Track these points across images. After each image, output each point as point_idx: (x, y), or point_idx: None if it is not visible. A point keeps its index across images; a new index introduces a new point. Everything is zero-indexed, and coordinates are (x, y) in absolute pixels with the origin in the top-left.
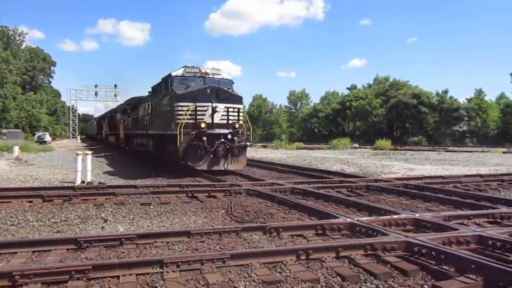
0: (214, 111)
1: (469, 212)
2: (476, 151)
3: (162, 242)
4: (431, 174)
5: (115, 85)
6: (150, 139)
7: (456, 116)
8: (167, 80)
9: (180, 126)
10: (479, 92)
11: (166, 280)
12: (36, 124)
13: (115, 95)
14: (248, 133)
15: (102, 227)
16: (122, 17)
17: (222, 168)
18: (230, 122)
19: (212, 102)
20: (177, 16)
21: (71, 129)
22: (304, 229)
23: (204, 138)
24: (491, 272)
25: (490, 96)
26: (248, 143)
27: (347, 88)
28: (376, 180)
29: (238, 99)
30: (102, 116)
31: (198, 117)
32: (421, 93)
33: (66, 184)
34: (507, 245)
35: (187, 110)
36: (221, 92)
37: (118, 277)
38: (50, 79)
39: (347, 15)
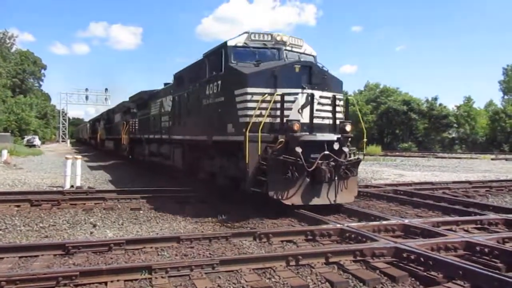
0: (310, 102)
1: (457, 218)
2: (465, 158)
3: (151, 247)
4: (420, 180)
5: (106, 89)
6: (177, 147)
7: (445, 123)
8: (219, 54)
9: (251, 129)
10: (468, 99)
11: (154, 286)
12: (26, 128)
13: (105, 99)
14: (363, 140)
15: (91, 233)
16: (114, 21)
17: (327, 202)
18: (336, 122)
19: (303, 88)
20: (169, 21)
21: (61, 133)
22: (294, 234)
23: (298, 150)
24: (478, 278)
25: (479, 104)
26: (362, 157)
27: None
28: (366, 186)
29: (340, 85)
30: (96, 118)
31: (285, 112)
32: (411, 100)
33: (55, 189)
34: (494, 252)
35: (262, 101)
36: (317, 71)
37: (106, 283)
38: (41, 82)
39: (339, 21)
